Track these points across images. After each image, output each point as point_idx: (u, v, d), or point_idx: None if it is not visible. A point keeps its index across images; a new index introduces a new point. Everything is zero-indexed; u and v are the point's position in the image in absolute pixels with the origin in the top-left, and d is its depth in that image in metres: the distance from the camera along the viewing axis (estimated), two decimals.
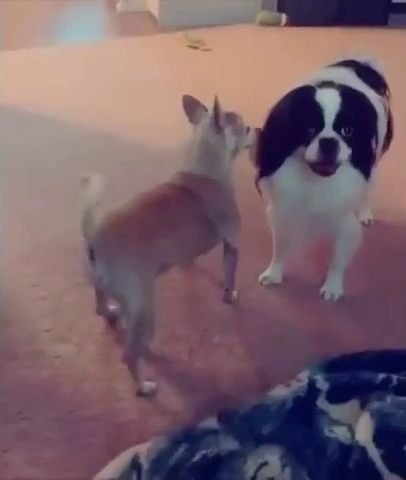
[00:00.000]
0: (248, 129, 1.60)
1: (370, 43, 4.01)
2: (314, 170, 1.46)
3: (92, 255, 1.34)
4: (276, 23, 5.14)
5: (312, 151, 1.42)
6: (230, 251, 1.65)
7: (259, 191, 1.64)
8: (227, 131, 1.54)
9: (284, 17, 5.13)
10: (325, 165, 1.44)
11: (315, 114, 1.42)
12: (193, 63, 4.15)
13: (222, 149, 1.54)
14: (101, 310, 1.61)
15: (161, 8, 5.18)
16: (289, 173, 1.52)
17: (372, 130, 1.56)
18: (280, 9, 5.29)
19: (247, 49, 4.54)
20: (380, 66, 1.89)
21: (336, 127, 1.41)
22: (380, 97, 1.80)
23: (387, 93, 1.88)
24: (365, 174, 1.54)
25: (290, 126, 1.45)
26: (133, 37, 4.85)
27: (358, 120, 1.45)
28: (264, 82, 3.58)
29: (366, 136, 1.52)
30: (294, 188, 1.54)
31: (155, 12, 5.28)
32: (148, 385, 1.41)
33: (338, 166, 1.45)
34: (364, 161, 1.52)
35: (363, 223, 2.03)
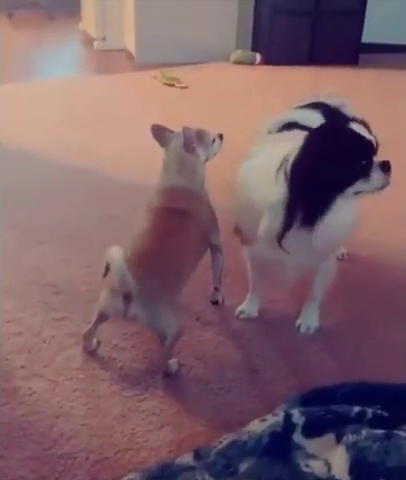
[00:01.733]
0: (214, 140, 1.78)
1: (341, 82, 4.17)
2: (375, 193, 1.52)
3: (128, 298, 1.44)
4: (250, 62, 5.28)
5: (378, 177, 1.48)
6: (217, 250, 1.79)
7: (240, 237, 1.68)
8: (198, 150, 1.72)
9: (258, 56, 5.28)
10: (388, 185, 1.50)
11: (367, 145, 1.48)
12: (169, 100, 4.23)
13: (196, 164, 1.73)
14: (87, 347, 1.63)
15: (138, 46, 5.29)
16: (333, 214, 1.48)
17: None
18: (254, 49, 5.45)
19: (222, 87, 4.64)
20: (349, 110, 1.93)
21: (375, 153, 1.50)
22: None
23: None
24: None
25: (344, 163, 1.44)
26: (110, 74, 4.93)
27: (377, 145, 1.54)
28: (238, 119, 3.67)
29: None
30: (333, 228, 1.51)
31: (132, 50, 5.39)
32: (173, 363, 1.57)
33: None
34: None
35: (337, 257, 2.06)
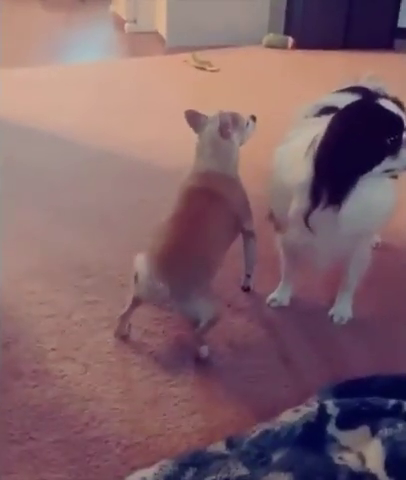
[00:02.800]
0: (247, 123, 1.75)
1: (376, 67, 4.06)
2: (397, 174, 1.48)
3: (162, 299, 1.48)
4: (283, 46, 5.19)
5: None
6: (250, 237, 1.76)
7: (274, 222, 1.64)
8: (233, 134, 1.69)
9: (290, 40, 5.19)
10: None
11: (396, 121, 1.42)
12: (200, 84, 4.18)
13: (231, 149, 1.70)
14: (120, 331, 1.63)
15: (169, 29, 5.23)
16: (362, 193, 1.44)
17: None
18: (287, 32, 5.35)
19: (254, 71, 4.58)
20: (389, 94, 1.89)
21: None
22: None
23: None
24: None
25: (372, 139, 1.40)
26: (141, 57, 4.89)
27: None
28: (270, 103, 3.62)
29: None
30: (363, 209, 1.47)
31: (163, 33, 5.34)
32: (204, 349, 1.55)
33: None
34: None
35: (371, 246, 2.02)
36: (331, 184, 1.43)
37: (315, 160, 1.44)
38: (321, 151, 1.43)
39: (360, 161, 1.42)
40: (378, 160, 1.43)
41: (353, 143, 1.39)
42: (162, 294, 1.45)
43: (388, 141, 1.41)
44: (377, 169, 1.43)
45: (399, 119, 1.43)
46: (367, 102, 1.48)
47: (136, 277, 1.50)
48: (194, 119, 1.71)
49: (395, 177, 1.53)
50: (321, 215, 1.46)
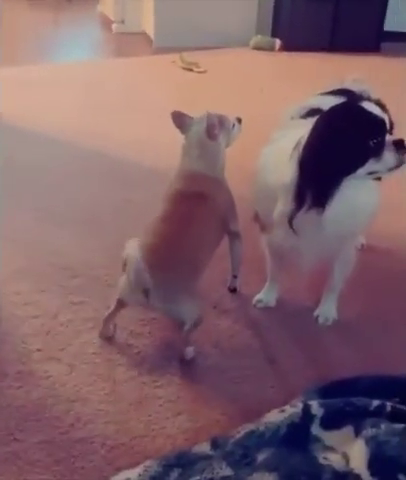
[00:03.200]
0: (233, 125, 1.76)
1: (362, 70, 4.10)
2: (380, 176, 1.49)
3: (146, 292, 1.45)
4: (270, 48, 5.22)
5: (390, 157, 1.43)
6: (235, 237, 1.76)
7: (259, 223, 1.64)
8: (220, 136, 1.69)
9: (278, 42, 5.22)
10: (402, 165, 1.45)
11: (377, 124, 1.43)
12: (187, 85, 4.19)
13: (217, 151, 1.71)
14: (105, 333, 1.62)
15: (156, 29, 5.24)
16: (345, 195, 1.45)
17: None
18: (274, 34, 5.38)
19: (241, 72, 4.59)
20: (374, 96, 1.90)
21: (390, 133, 1.46)
22: None
23: None
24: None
25: (355, 142, 1.40)
26: (128, 57, 4.90)
27: (392, 124, 1.51)
28: (256, 105, 3.63)
29: None
30: (346, 210, 1.48)
31: (151, 33, 5.35)
32: (190, 350, 1.55)
33: None
34: None
35: (356, 247, 2.04)
36: (315, 186, 1.43)
37: (299, 162, 1.44)
38: (305, 153, 1.43)
39: (344, 163, 1.42)
40: (362, 162, 1.44)
41: (337, 145, 1.40)
42: (148, 283, 1.42)
43: (371, 143, 1.42)
44: (361, 171, 1.44)
45: (382, 121, 1.44)
46: (350, 104, 1.49)
47: (125, 264, 1.47)
48: (180, 120, 1.71)
49: (379, 179, 1.55)
50: (305, 217, 1.47)
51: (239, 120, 1.79)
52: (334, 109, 1.47)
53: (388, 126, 1.46)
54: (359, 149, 1.43)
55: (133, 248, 1.44)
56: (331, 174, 1.43)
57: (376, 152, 1.43)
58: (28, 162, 2.77)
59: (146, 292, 1.45)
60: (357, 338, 1.69)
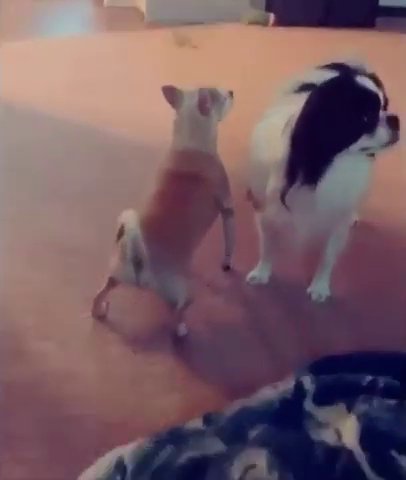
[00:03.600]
0: (225, 99, 1.73)
1: (357, 45, 4.06)
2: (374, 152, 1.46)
3: (139, 266, 1.43)
4: (264, 23, 5.15)
5: (383, 133, 1.41)
6: (229, 215, 1.75)
7: (252, 201, 1.62)
8: (212, 110, 1.67)
9: (272, 17, 5.14)
10: (395, 141, 1.44)
11: (371, 98, 1.41)
12: (180, 60, 4.14)
13: (210, 125, 1.69)
14: (97, 311, 1.61)
15: (148, 4, 5.16)
16: (337, 172, 1.43)
17: None
18: (268, 9, 5.31)
19: (234, 47, 4.54)
20: (369, 70, 1.88)
21: (384, 109, 1.44)
22: None
23: None
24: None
25: (348, 117, 1.38)
26: (120, 32, 4.82)
27: (386, 100, 1.48)
28: (250, 80, 3.60)
29: None
30: (339, 187, 1.46)
31: (142, 8, 5.26)
32: (182, 327, 1.55)
33: None
34: None
35: (350, 224, 2.03)
36: (307, 163, 1.42)
37: (291, 138, 1.42)
38: (297, 129, 1.42)
39: (336, 139, 1.41)
40: (355, 138, 1.42)
41: (329, 120, 1.39)
42: (143, 254, 1.41)
43: (365, 119, 1.40)
44: (354, 147, 1.43)
45: (376, 96, 1.42)
46: (344, 79, 1.46)
47: (119, 234, 1.45)
48: (172, 95, 1.69)
49: (372, 155, 1.53)
50: (297, 193, 1.45)
51: (231, 93, 1.76)
52: (327, 84, 1.44)
53: (382, 101, 1.44)
54: (352, 124, 1.41)
55: (132, 215, 1.42)
56: (323, 150, 1.41)
57: (369, 128, 1.41)
58: (18, 139, 2.74)
59: (139, 265, 1.43)
60: (350, 315, 1.70)
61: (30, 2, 5.83)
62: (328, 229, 1.68)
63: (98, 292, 1.59)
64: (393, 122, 1.42)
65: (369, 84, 1.43)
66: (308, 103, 1.42)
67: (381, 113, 1.42)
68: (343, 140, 1.41)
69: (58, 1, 6.16)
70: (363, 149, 1.45)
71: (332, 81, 1.45)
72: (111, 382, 1.42)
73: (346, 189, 1.50)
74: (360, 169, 1.51)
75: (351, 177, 1.50)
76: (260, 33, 5.01)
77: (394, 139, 1.44)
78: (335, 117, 1.38)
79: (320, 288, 1.77)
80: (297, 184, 1.44)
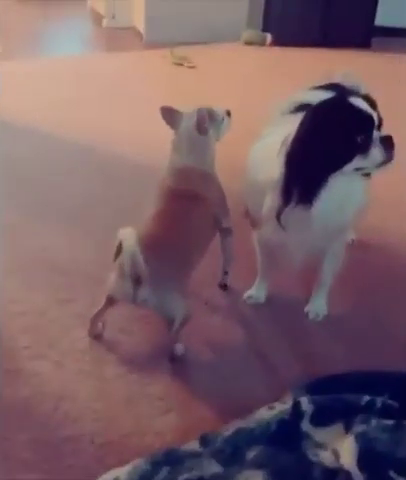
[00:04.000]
0: (223, 119, 1.74)
1: (353, 65, 4.10)
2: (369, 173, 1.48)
3: (137, 282, 1.43)
4: (261, 42, 5.20)
5: (377, 154, 1.42)
6: (227, 234, 1.76)
7: (250, 219, 1.64)
8: (210, 130, 1.68)
9: (269, 37, 5.19)
10: (389, 162, 1.45)
11: (365, 119, 1.42)
12: (178, 79, 4.17)
13: (208, 145, 1.70)
14: (93, 330, 1.61)
15: (147, 24, 5.21)
16: (331, 192, 1.44)
17: None
18: (265, 29, 5.35)
19: (232, 67, 4.57)
20: (364, 91, 1.89)
21: (378, 128, 1.45)
22: None
23: None
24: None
25: (342, 138, 1.40)
26: (118, 52, 4.86)
27: (381, 121, 1.50)
28: (247, 99, 3.62)
29: None
30: (333, 206, 1.47)
31: (141, 28, 5.31)
32: (179, 347, 1.54)
33: None
34: None
35: (346, 243, 2.03)
36: (301, 182, 1.43)
37: (286, 157, 1.43)
38: (292, 148, 1.42)
39: (331, 159, 1.41)
40: (348, 158, 1.43)
41: (323, 141, 1.39)
42: (142, 271, 1.40)
43: (359, 139, 1.41)
44: (348, 168, 1.44)
45: (369, 117, 1.43)
46: (338, 100, 1.48)
47: (117, 252, 1.45)
48: (170, 115, 1.70)
49: (367, 175, 1.54)
50: (293, 213, 1.46)
51: (228, 113, 1.78)
52: (322, 104, 1.46)
53: (376, 122, 1.45)
54: (346, 145, 1.42)
55: (130, 232, 1.42)
56: (318, 170, 1.42)
57: (363, 148, 1.42)
58: (16, 156, 2.75)
59: (137, 282, 1.42)
60: (347, 334, 1.69)
61: (29, 22, 5.89)
62: (324, 247, 1.68)
63: (95, 311, 1.58)
64: (387, 142, 1.43)
65: (363, 105, 1.44)
66: (302, 124, 1.43)
67: (375, 133, 1.43)
68: (337, 161, 1.42)
69: (57, 21, 6.22)
70: (357, 169, 1.46)
71: (326, 102, 1.47)
72: (107, 402, 1.41)
73: (341, 208, 1.50)
74: (355, 188, 1.52)
75: (346, 196, 1.50)
76: (257, 53, 5.05)
77: (388, 159, 1.44)
78: (329, 138, 1.39)
79: (317, 307, 1.76)
80: (292, 204, 1.45)
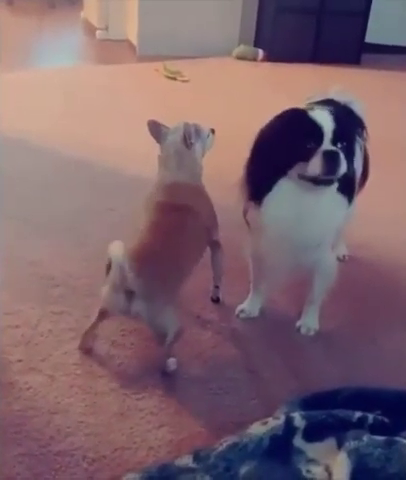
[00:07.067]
0: (208, 135, 1.78)
1: (343, 81, 4.13)
2: (316, 183, 1.49)
3: (130, 295, 1.44)
4: (253, 58, 5.26)
5: (316, 165, 1.45)
6: (217, 247, 1.78)
7: (247, 223, 1.65)
8: (196, 145, 1.71)
9: (261, 52, 5.25)
10: (329, 176, 1.48)
11: (314, 130, 1.46)
12: (170, 93, 4.20)
13: (195, 159, 1.73)
14: (84, 344, 1.60)
15: (140, 37, 5.25)
16: (282, 196, 1.53)
17: (354, 149, 1.63)
18: (257, 44, 5.42)
19: (224, 82, 4.61)
20: (359, 107, 1.92)
21: (333, 142, 1.47)
22: (358, 138, 1.83)
23: (365, 135, 1.92)
24: (349, 197, 1.58)
25: (288, 144, 1.46)
26: (112, 65, 4.89)
27: (350, 136, 1.54)
28: (239, 114, 3.65)
29: (353, 153, 1.59)
30: (286, 212, 1.54)
31: (134, 41, 5.35)
32: (171, 362, 1.54)
33: (337, 179, 1.50)
34: (349, 182, 1.57)
35: (338, 258, 2.05)
36: (252, 180, 1.55)
37: (247, 159, 1.55)
38: (251, 150, 1.54)
39: (275, 162, 1.50)
40: (290, 164, 1.50)
41: (272, 145, 1.50)
42: (132, 285, 1.41)
43: (303, 148, 1.46)
44: (291, 173, 1.50)
45: (319, 129, 1.46)
46: (296, 110, 1.53)
47: (108, 267, 1.46)
48: (156, 130, 1.72)
49: (328, 184, 1.53)
50: (254, 213, 1.56)
51: (213, 131, 1.82)
52: (281, 114, 1.54)
53: (328, 135, 1.47)
54: (290, 151, 1.48)
55: (117, 246, 1.43)
56: (264, 170, 1.52)
57: (305, 157, 1.47)
58: (7, 169, 2.74)
59: (130, 295, 1.43)
60: (339, 349, 1.70)
61: (23, 32, 5.91)
62: (310, 263, 1.69)
63: (88, 325, 1.58)
64: (328, 156, 1.46)
65: (321, 117, 1.48)
66: (261, 129, 1.53)
67: (324, 145, 1.47)
68: (281, 164, 1.50)
69: (51, 32, 6.25)
70: (302, 177, 1.50)
71: (285, 112, 1.53)
72: (99, 417, 1.40)
73: (303, 220, 1.54)
74: (331, 200, 1.55)
75: (323, 207, 1.54)
76: (249, 68, 5.10)
77: (326, 171, 1.47)
78: (277, 142, 1.48)
79: (309, 322, 1.77)
80: (245, 200, 1.56)
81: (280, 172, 1.51)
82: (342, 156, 1.46)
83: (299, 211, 1.54)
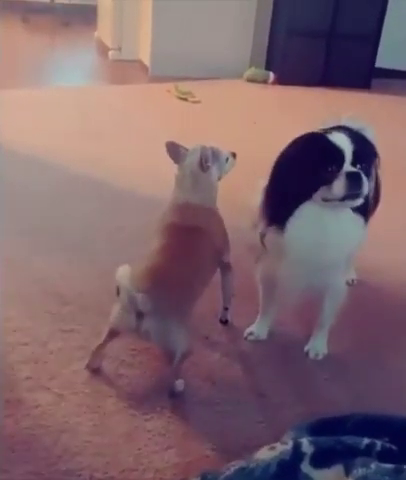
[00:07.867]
0: (227, 159, 1.79)
1: (353, 106, 4.19)
2: (342, 199, 1.51)
3: (140, 315, 1.45)
4: (263, 80, 5.31)
5: (339, 186, 1.47)
6: (227, 269, 1.78)
7: (264, 246, 1.67)
8: (212, 168, 1.72)
9: (272, 75, 5.31)
10: (353, 197, 1.50)
11: (334, 153, 1.48)
12: (182, 114, 4.24)
13: (210, 182, 1.74)
14: (92, 364, 1.61)
15: (153, 58, 5.32)
16: (305, 219, 1.53)
17: (371, 170, 1.63)
18: (268, 68, 5.48)
19: (235, 103, 4.66)
20: (371, 134, 1.94)
21: (353, 164, 1.49)
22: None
23: (377, 161, 1.93)
24: (365, 217, 1.60)
25: (310, 168, 1.48)
26: (123, 85, 4.95)
27: (367, 157, 1.56)
28: (250, 135, 3.69)
29: (370, 174, 1.59)
30: (309, 235, 1.55)
31: (147, 62, 5.42)
32: (180, 383, 1.55)
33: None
34: (365, 202, 1.58)
35: (347, 283, 2.05)
36: (273, 205, 1.56)
37: (267, 184, 1.56)
38: (270, 175, 1.55)
39: (299, 186, 1.51)
40: (314, 188, 1.51)
41: (293, 170, 1.51)
42: (142, 306, 1.43)
43: (328, 171, 1.48)
44: (316, 197, 1.51)
45: (340, 152, 1.48)
46: (314, 134, 1.55)
47: (118, 289, 1.47)
48: (175, 151, 1.74)
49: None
50: (276, 237, 1.56)
51: (234, 155, 1.82)
52: (299, 138, 1.55)
53: (349, 157, 1.49)
54: (312, 175, 1.50)
55: (123, 271, 1.45)
56: (287, 194, 1.53)
57: (328, 180, 1.49)
58: (20, 186, 2.77)
59: (140, 315, 1.45)
60: (348, 374, 1.70)
61: (36, 50, 5.99)
62: (322, 285, 1.70)
63: (97, 343, 1.59)
64: (352, 177, 1.48)
65: (339, 140, 1.50)
66: (280, 154, 1.54)
67: (345, 167, 1.49)
68: (304, 188, 1.51)
69: (64, 51, 6.34)
70: (326, 200, 1.52)
71: (304, 136, 1.55)
72: (107, 437, 1.40)
73: (323, 242, 1.55)
74: (343, 225, 1.57)
75: (327, 230, 1.56)
76: (260, 90, 5.15)
77: (350, 193, 1.49)
78: (298, 167, 1.49)
79: (318, 346, 1.78)
80: (265, 224, 1.56)
81: (303, 197, 1.52)
82: (364, 177, 1.48)
83: (321, 233, 1.55)
